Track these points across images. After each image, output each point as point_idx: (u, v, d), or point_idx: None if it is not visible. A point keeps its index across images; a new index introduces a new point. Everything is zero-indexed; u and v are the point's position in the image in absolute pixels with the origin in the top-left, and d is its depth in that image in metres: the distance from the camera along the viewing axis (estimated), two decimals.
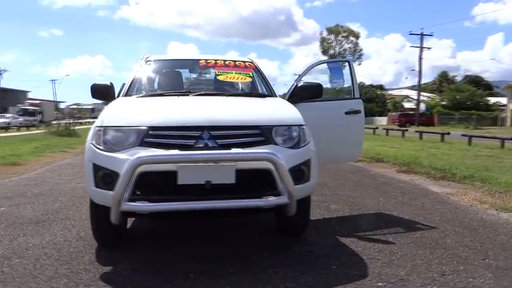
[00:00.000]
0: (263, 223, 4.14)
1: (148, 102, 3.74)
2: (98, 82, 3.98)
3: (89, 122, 31.33)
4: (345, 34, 61.61)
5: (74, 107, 58.89)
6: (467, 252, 3.37)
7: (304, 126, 3.23)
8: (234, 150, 2.89)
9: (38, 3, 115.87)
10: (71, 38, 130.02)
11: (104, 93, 3.94)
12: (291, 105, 3.64)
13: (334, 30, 61.78)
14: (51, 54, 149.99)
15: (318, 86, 4.17)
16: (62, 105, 66.45)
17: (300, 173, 3.07)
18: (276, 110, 3.58)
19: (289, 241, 3.58)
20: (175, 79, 4.50)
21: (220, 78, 4.34)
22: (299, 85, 4.20)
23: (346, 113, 4.50)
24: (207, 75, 4.76)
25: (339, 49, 61.40)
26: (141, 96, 3.98)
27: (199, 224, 4.11)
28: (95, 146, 2.93)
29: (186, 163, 2.80)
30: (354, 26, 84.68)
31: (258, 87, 4.43)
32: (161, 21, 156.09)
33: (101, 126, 2.99)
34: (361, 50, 63.09)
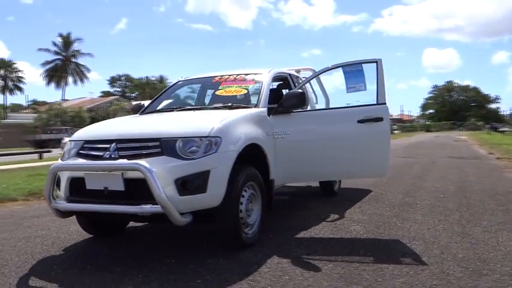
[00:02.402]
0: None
1: (123, 119, 4.34)
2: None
3: None
4: None
5: None
6: None
7: (210, 138, 3.24)
8: (118, 161, 3.21)
9: (301, 28, 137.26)
10: (328, 55, 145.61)
11: (136, 110, 4.81)
12: (221, 117, 3.57)
13: None
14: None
15: (300, 94, 4.13)
16: None
17: (188, 184, 3.10)
18: (192, 122, 3.64)
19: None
20: (178, 97, 5.03)
21: (217, 93, 4.65)
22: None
23: (361, 121, 4.14)
24: (213, 91, 4.95)
25: None
26: (140, 113, 4.64)
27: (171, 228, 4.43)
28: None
29: (89, 171, 3.29)
30: None
31: (251, 98, 4.43)
32: (415, 28, 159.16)
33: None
34: None
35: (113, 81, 68.00)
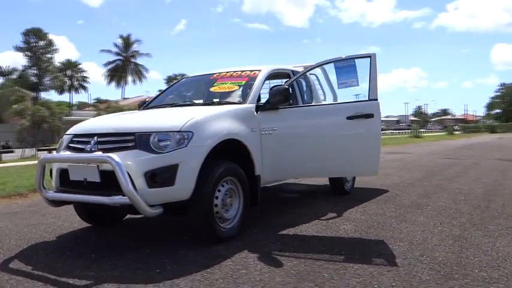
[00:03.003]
0: None
1: (114, 114, 4.57)
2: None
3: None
4: None
5: (383, 119, 66.46)
6: None
7: (182, 133, 3.32)
8: (93, 154, 3.37)
9: (359, 25, 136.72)
10: (387, 53, 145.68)
11: (141, 106, 5.06)
12: (199, 112, 3.66)
13: None
14: None
15: (284, 91, 4.11)
16: None
17: (157, 176, 3.18)
18: (168, 118, 3.74)
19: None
20: (179, 93, 5.17)
21: (211, 89, 4.75)
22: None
23: (350, 118, 4.07)
24: (208, 88, 5.00)
25: None
26: (142, 108, 4.84)
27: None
28: None
29: (71, 163, 3.48)
30: None
31: (241, 94, 4.41)
32: (484, 23, 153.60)
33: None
34: None
35: (169, 80, 70.50)
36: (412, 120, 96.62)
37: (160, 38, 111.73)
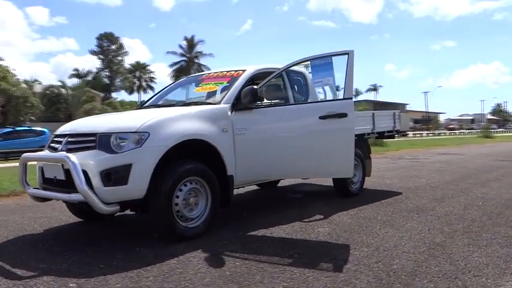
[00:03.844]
0: None
1: (98, 115, 4.76)
2: None
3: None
4: None
5: (456, 118, 64.65)
6: None
7: (138, 133, 3.41)
8: (55, 153, 3.59)
9: (431, 19, 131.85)
10: (463, 47, 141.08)
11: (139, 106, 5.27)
12: (158, 114, 3.75)
13: None
14: (441, 67, 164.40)
15: (251, 90, 4.05)
16: (441, 116, 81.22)
17: (112, 175, 3.29)
18: (129, 119, 3.86)
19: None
20: (162, 94, 5.25)
21: (195, 90, 4.85)
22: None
23: (323, 117, 3.96)
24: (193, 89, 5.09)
25: None
26: (136, 109, 5.04)
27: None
28: None
29: (43, 162, 3.69)
30: None
31: (218, 95, 4.48)
32: None
33: None
34: None
35: None
36: (488, 119, 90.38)
37: (227, 39, 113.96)
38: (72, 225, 4.49)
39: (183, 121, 3.75)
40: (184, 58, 57.13)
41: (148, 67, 59.82)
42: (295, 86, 4.97)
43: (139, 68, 58.45)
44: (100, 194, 3.30)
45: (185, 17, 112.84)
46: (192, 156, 3.79)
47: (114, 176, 3.32)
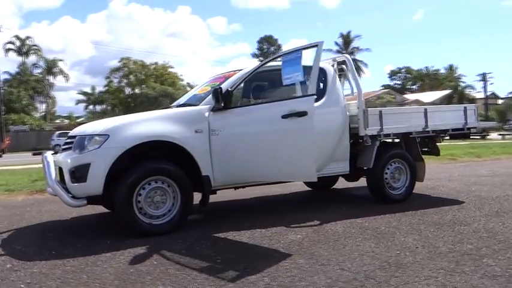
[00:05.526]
0: None
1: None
2: None
3: None
4: None
5: None
6: None
7: (99, 136, 3.74)
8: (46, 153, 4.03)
9: None
10: None
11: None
12: (126, 117, 4.08)
13: None
14: None
15: (214, 92, 4.02)
16: None
17: (75, 173, 3.67)
18: (104, 122, 4.10)
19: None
20: (188, 95, 5.43)
21: (197, 92, 4.96)
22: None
23: (285, 117, 3.73)
24: None
25: None
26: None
27: None
28: None
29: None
30: None
31: (204, 97, 4.42)
32: None
33: None
34: None
35: (392, 74, 68.54)
36: None
37: (393, 32, 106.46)
38: (83, 216, 4.96)
39: (148, 123, 3.95)
40: (339, 55, 56.26)
41: None
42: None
43: None
44: (70, 189, 3.73)
45: (350, 12, 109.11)
46: (169, 157, 3.96)
47: (77, 173, 3.69)
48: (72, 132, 4.36)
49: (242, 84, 4.34)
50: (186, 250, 3.42)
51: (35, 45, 43.86)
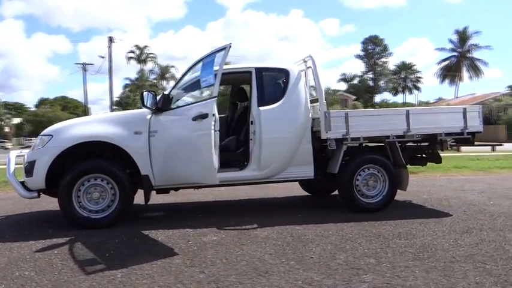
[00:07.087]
0: None
1: None
2: None
3: None
4: None
5: None
6: None
7: (46, 136, 4.21)
8: None
9: None
10: None
11: None
12: (75, 119, 4.57)
13: None
14: None
15: (140, 94, 4.27)
16: None
17: (26, 169, 4.20)
18: (56, 124, 4.55)
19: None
20: None
21: None
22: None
23: (194, 119, 3.91)
24: None
25: None
26: None
27: None
28: None
29: None
30: None
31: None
32: None
33: None
34: None
35: None
36: None
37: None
38: None
39: (90, 125, 4.37)
40: (454, 53, 51.49)
41: (415, 67, 56.88)
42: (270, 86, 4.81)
43: (405, 68, 56.36)
44: (25, 182, 4.28)
45: (477, 7, 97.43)
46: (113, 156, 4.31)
47: (27, 169, 4.25)
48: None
49: (179, 88, 4.47)
50: (96, 243, 3.68)
51: (151, 53, 48.86)
